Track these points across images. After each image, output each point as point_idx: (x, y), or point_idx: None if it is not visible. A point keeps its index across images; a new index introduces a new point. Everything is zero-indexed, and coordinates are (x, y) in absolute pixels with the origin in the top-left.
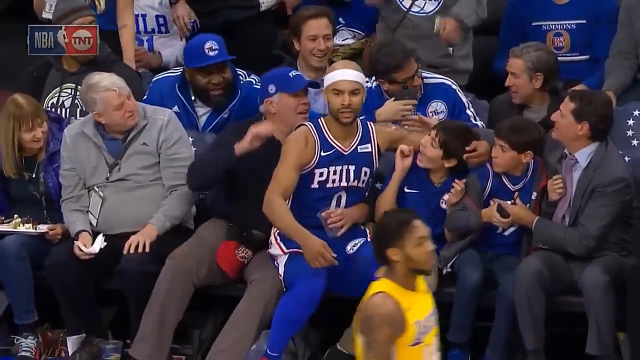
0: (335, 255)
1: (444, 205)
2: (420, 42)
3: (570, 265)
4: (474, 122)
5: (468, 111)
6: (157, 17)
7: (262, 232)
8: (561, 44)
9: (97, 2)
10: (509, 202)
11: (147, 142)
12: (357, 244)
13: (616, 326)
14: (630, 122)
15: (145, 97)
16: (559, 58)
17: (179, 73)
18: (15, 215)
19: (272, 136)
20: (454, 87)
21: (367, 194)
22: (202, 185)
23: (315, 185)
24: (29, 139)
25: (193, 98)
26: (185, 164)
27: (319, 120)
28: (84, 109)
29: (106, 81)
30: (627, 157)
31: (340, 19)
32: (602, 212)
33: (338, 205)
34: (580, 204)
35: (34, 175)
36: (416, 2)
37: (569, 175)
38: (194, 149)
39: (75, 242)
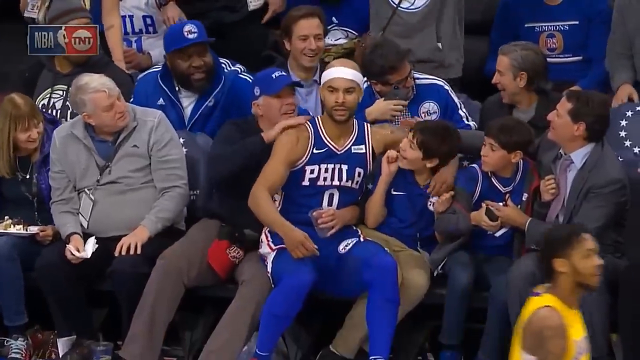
0: (316, 246)
1: (431, 208)
2: (409, 37)
3: None
4: (466, 122)
5: (460, 112)
6: (144, 17)
7: (254, 232)
8: (554, 45)
9: (82, 3)
10: (500, 204)
11: (138, 145)
12: (349, 244)
13: (609, 327)
14: (623, 122)
15: (132, 98)
16: (552, 60)
17: (161, 66)
18: (6, 217)
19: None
20: (446, 87)
21: (360, 196)
22: (222, 178)
23: (306, 182)
24: (25, 139)
25: (177, 88)
26: (177, 165)
27: (317, 117)
28: (74, 110)
29: (95, 82)
30: (620, 157)
31: (334, 19)
32: (597, 214)
33: (330, 204)
34: (575, 204)
35: (27, 176)
36: None
37: (564, 175)
38: (184, 150)
39: (67, 245)
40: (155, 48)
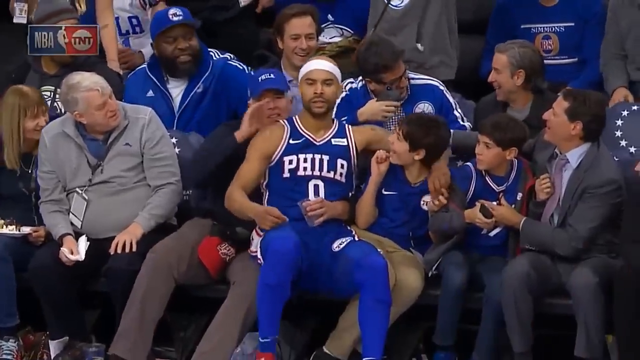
0: (310, 244)
1: (425, 207)
2: (394, 34)
3: (558, 266)
4: (461, 123)
5: (455, 112)
6: (129, 18)
7: (246, 230)
8: (550, 47)
9: (77, 4)
10: (494, 203)
11: (130, 143)
12: (343, 243)
13: (605, 328)
14: (619, 122)
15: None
16: (547, 61)
17: (149, 57)
18: None
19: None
20: (441, 88)
21: (351, 193)
22: (204, 178)
23: (286, 174)
24: (32, 127)
25: (166, 78)
26: (169, 162)
27: (294, 116)
28: (63, 111)
29: (88, 81)
30: (616, 157)
31: (329, 16)
32: (592, 214)
33: (317, 195)
34: (570, 204)
35: (29, 171)
36: None
37: (559, 175)
38: (177, 150)
39: (61, 248)
40: (145, 46)
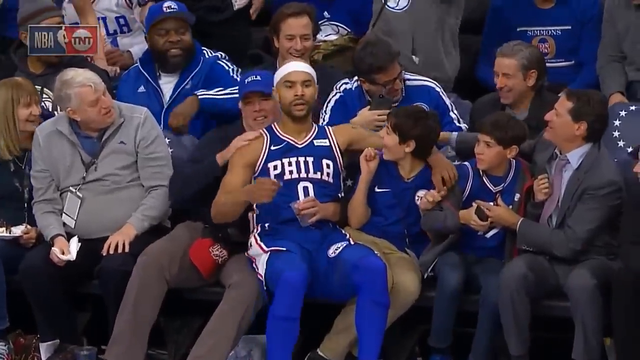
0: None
1: (419, 203)
2: (390, 37)
3: (555, 268)
4: (457, 124)
5: (452, 113)
6: (117, 18)
7: (238, 232)
8: (546, 50)
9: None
10: (491, 203)
11: (125, 141)
12: (338, 248)
13: (602, 331)
14: (617, 122)
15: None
16: None
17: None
18: None
19: None
20: (437, 89)
21: (340, 195)
22: (184, 200)
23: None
24: (25, 116)
25: (158, 74)
26: (163, 162)
27: (272, 124)
28: (51, 109)
29: (81, 77)
30: (614, 157)
31: (325, 13)
32: (591, 215)
33: (307, 196)
34: (569, 205)
35: (23, 167)
36: None
37: (559, 175)
38: (170, 150)
39: (52, 248)
40: (133, 46)
